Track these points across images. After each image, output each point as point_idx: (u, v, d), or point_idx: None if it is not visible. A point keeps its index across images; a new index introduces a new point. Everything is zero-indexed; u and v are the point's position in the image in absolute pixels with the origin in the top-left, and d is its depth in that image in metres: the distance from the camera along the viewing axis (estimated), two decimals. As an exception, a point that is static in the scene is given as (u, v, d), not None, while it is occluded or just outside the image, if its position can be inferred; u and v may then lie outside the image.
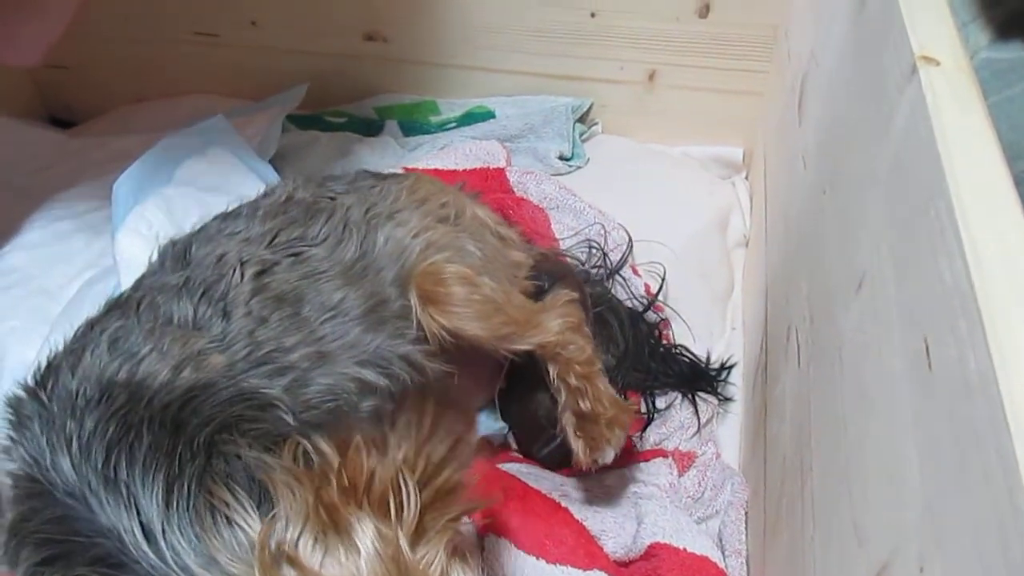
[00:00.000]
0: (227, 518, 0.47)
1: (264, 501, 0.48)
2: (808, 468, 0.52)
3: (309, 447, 0.48)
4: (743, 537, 0.69)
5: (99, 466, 0.48)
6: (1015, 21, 0.43)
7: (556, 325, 0.68)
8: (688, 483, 0.76)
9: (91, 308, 0.77)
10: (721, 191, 1.02)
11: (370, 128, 1.09)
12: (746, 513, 0.71)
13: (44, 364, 0.56)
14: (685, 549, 0.67)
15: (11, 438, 0.53)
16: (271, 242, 0.63)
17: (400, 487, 0.46)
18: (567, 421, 0.69)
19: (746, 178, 1.05)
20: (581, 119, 1.06)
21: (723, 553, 0.69)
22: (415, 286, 0.64)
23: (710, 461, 0.77)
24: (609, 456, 0.68)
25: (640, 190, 1.00)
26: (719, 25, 0.97)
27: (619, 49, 1.01)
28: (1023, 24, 0.43)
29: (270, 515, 0.46)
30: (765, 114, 0.99)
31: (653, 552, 0.68)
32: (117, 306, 0.60)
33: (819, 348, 0.54)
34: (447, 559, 0.47)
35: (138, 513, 0.47)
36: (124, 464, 0.48)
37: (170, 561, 0.46)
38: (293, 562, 0.43)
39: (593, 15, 1.00)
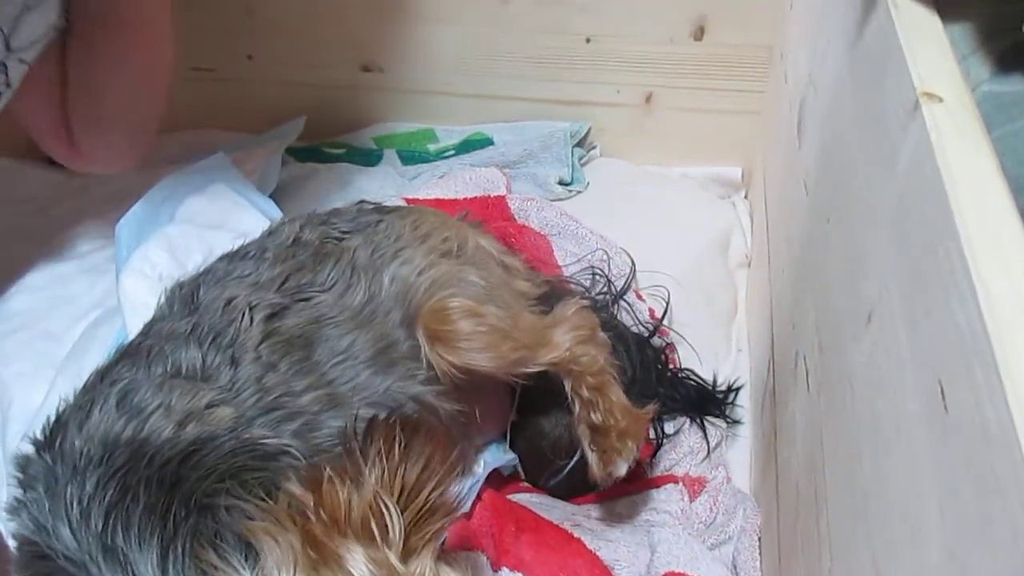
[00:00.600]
0: None
1: (252, 553, 0.48)
2: (823, 499, 0.52)
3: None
4: (757, 564, 0.69)
5: (98, 532, 0.49)
6: (1016, 53, 0.43)
7: (567, 339, 0.68)
8: (700, 509, 0.76)
9: (98, 351, 0.78)
10: (721, 212, 1.02)
11: (368, 158, 1.09)
12: (759, 539, 0.71)
13: (53, 418, 0.56)
14: (700, 578, 0.67)
15: (17, 499, 0.53)
16: (280, 287, 0.63)
17: (380, 510, 0.47)
18: (582, 433, 0.69)
19: (745, 197, 1.06)
20: (579, 143, 1.07)
21: (738, 581, 0.69)
22: (422, 326, 0.64)
23: (721, 486, 0.77)
24: (622, 469, 0.67)
25: (640, 213, 1.00)
26: (714, 46, 0.98)
27: (615, 73, 1.02)
28: None
29: (256, 568, 0.46)
30: (763, 133, 0.99)
31: (668, 582, 0.68)
32: (127, 354, 0.60)
33: (829, 378, 0.54)
34: (435, 567, 0.48)
35: None
36: (121, 529, 0.49)
37: None
38: None
39: (588, 40, 1.00)
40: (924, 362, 0.37)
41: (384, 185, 1.04)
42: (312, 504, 0.47)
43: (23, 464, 0.55)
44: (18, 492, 0.54)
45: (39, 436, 0.56)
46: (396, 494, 0.48)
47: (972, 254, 0.34)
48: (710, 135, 1.05)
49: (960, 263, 0.34)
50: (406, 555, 0.47)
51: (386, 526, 0.46)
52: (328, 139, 1.10)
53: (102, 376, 0.58)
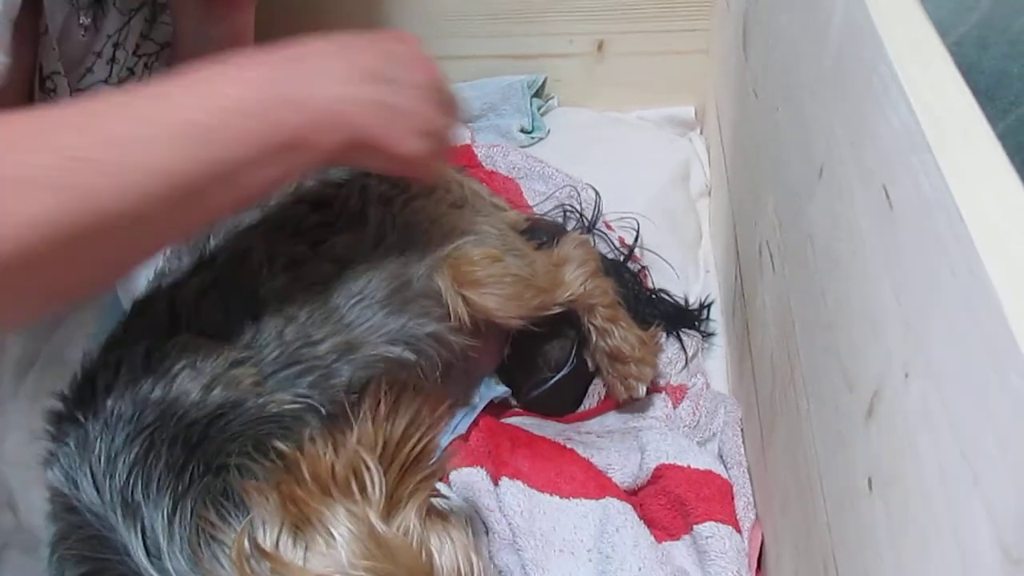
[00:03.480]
0: (212, 537, 0.49)
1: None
2: (795, 354, 0.56)
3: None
4: (742, 451, 0.73)
5: (119, 486, 0.51)
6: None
7: (579, 276, 0.74)
8: (683, 413, 0.80)
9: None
10: (679, 146, 1.07)
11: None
12: (742, 430, 0.75)
13: (80, 375, 0.57)
14: (689, 466, 0.71)
15: (51, 452, 0.55)
16: (294, 233, 0.64)
17: (362, 468, 0.48)
18: (600, 361, 0.76)
19: (701, 133, 1.10)
20: (537, 94, 1.10)
21: (725, 466, 0.72)
22: (448, 267, 0.67)
23: (701, 391, 0.81)
24: (642, 391, 0.77)
25: (602, 155, 1.04)
26: (659, -11, 1.02)
27: (566, 23, 1.06)
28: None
29: (245, 521, 0.48)
30: (711, 69, 1.04)
31: (659, 474, 0.71)
32: (144, 312, 0.60)
33: (791, 245, 0.58)
34: (423, 523, 0.50)
35: (144, 534, 0.49)
36: (140, 484, 0.51)
37: None
38: (270, 558, 0.46)
39: (538, -7, 1.04)
40: (869, 178, 0.41)
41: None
42: (298, 462, 0.49)
43: (54, 419, 0.56)
44: (51, 445, 0.55)
45: (67, 392, 0.57)
46: (379, 449, 0.49)
47: (901, 67, 0.38)
48: (662, 77, 1.09)
49: (892, 79, 0.38)
50: (390, 509, 0.49)
51: (367, 483, 0.48)
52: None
53: (126, 330, 0.59)
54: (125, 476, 0.51)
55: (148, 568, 0.49)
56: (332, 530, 0.47)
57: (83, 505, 0.51)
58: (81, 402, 0.55)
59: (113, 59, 0.79)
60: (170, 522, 0.49)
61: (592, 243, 0.90)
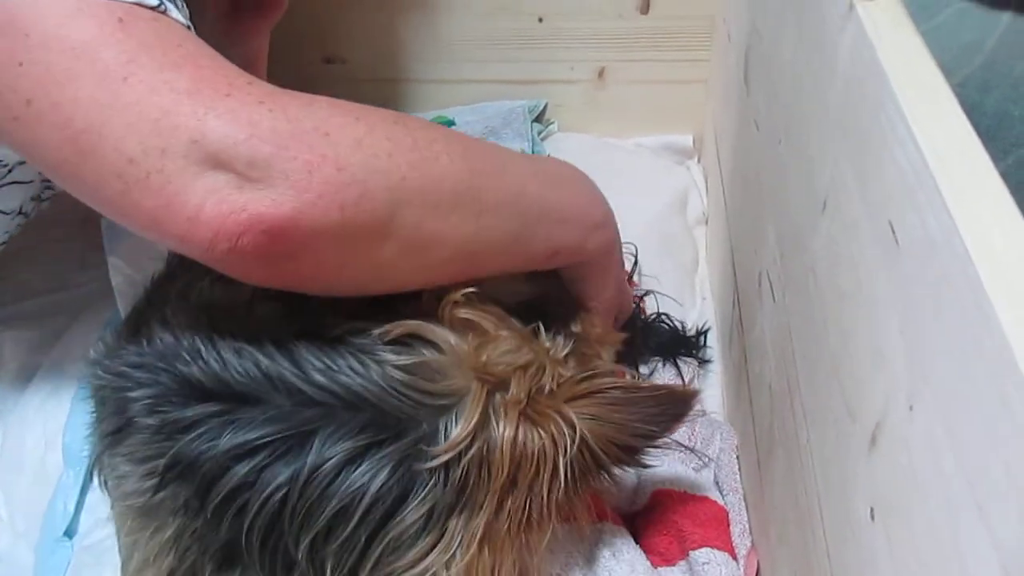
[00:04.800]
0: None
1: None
2: (795, 385, 0.56)
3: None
4: (738, 477, 0.73)
5: (270, 361, 0.50)
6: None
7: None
8: (679, 439, 0.80)
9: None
10: (677, 174, 1.08)
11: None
12: (737, 457, 0.76)
13: (109, 336, 0.57)
14: (685, 492, 0.71)
15: (158, 381, 0.51)
16: None
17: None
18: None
19: (698, 162, 1.12)
20: (538, 119, 1.12)
21: (721, 493, 0.73)
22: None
23: (696, 417, 0.82)
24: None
25: (601, 180, 1.03)
26: (660, 19, 1.04)
27: (568, 50, 1.08)
28: (940, -39, 0.49)
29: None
30: (710, 99, 1.05)
31: (655, 498, 0.72)
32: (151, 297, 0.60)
33: (791, 276, 0.59)
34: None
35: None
36: (282, 351, 0.50)
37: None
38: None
39: (540, 20, 1.06)
40: (875, 213, 0.42)
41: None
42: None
43: (131, 365, 0.53)
44: (156, 376, 0.51)
45: (125, 330, 0.57)
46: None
47: (908, 107, 0.39)
48: (661, 105, 1.11)
49: (900, 118, 0.39)
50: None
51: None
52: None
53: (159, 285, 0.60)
54: (274, 352, 0.50)
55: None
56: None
57: (250, 376, 0.49)
58: (133, 335, 0.54)
59: None
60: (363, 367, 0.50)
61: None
